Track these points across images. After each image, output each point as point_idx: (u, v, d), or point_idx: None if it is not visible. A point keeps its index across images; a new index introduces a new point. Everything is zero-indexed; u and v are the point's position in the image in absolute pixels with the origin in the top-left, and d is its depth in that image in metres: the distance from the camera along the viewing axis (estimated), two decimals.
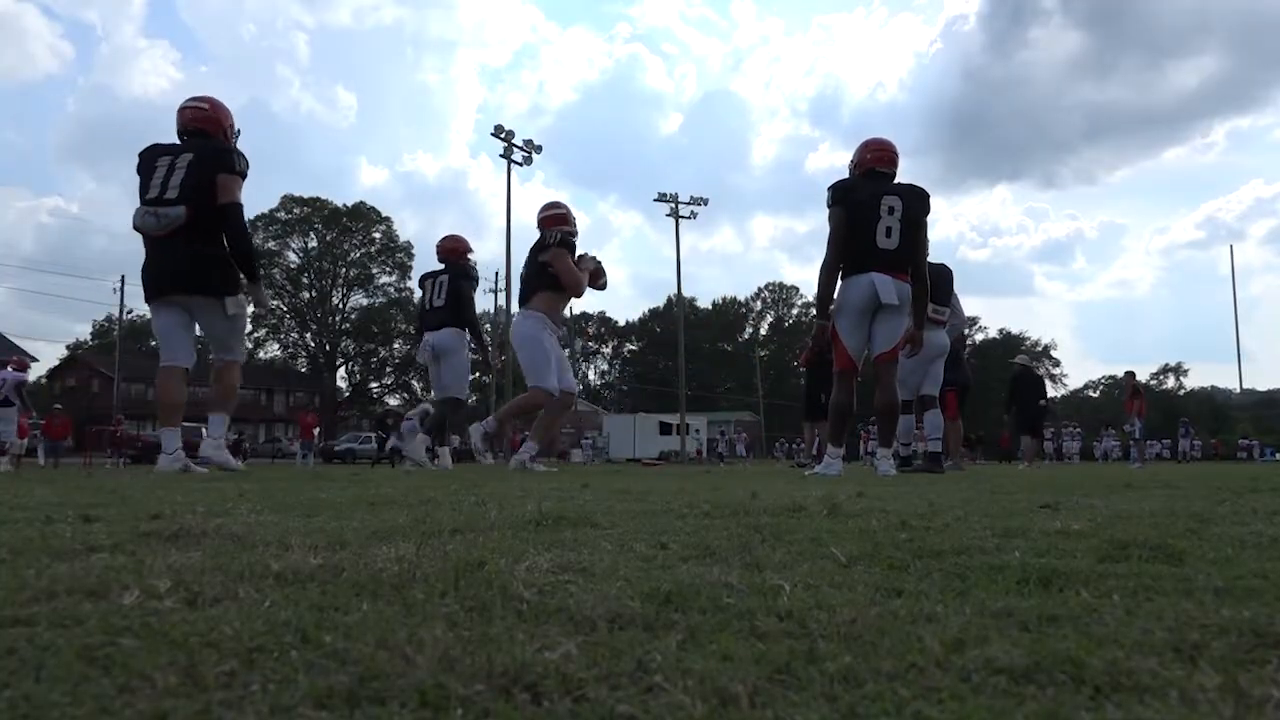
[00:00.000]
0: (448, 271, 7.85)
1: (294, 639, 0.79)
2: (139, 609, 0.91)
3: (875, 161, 5.79)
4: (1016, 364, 12.37)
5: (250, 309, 5.69)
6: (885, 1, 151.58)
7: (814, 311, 6.09)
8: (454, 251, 8.03)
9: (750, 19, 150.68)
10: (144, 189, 5.14)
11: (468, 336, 7.87)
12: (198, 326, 5.47)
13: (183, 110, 5.44)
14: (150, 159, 5.20)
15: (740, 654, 0.76)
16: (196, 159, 5.12)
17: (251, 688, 0.66)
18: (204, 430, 5.90)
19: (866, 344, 5.77)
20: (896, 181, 5.75)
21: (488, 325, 51.11)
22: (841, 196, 5.64)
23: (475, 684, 0.67)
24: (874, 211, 5.53)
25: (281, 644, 0.77)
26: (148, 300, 5.31)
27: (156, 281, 5.22)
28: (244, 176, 5.25)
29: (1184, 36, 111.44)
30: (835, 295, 5.72)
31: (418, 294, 8.31)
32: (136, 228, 5.14)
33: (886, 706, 0.63)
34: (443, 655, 0.74)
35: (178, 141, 5.37)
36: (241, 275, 5.36)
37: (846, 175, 5.99)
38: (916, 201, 5.62)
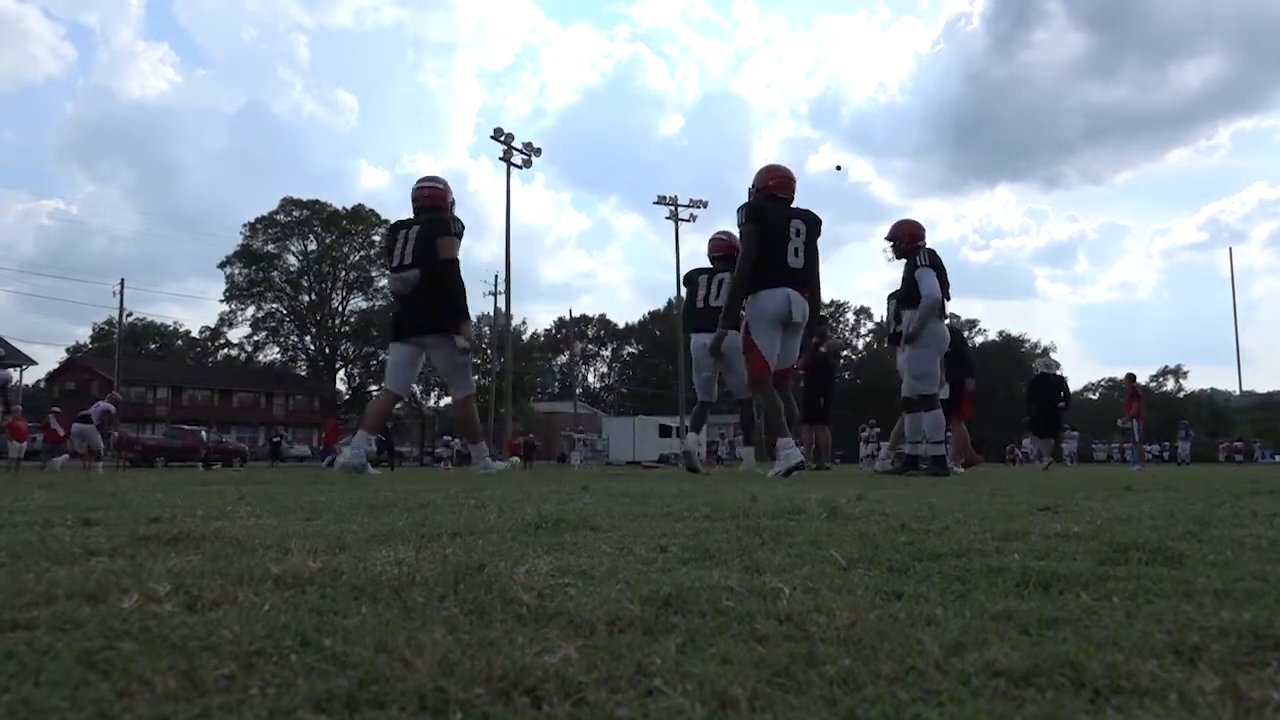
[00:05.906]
0: (716, 267, 7.85)
1: (293, 643, 0.79)
2: (138, 613, 0.91)
3: (777, 187, 6.23)
4: (1037, 368, 13.06)
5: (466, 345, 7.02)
6: (888, 2, 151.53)
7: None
8: (719, 246, 8.00)
9: (752, 19, 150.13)
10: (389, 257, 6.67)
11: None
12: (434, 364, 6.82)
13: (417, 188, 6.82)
14: (392, 232, 6.68)
15: (740, 657, 0.76)
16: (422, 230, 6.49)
17: (251, 692, 0.66)
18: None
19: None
20: (794, 206, 6.22)
21: (485, 327, 50.93)
22: (757, 216, 6.03)
23: (475, 688, 0.67)
24: (784, 232, 5.99)
25: (281, 648, 0.77)
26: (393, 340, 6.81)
27: (398, 326, 6.65)
28: (459, 237, 6.62)
29: (1187, 38, 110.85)
30: (746, 306, 6.12)
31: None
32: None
33: (886, 710, 0.63)
34: (442, 659, 0.74)
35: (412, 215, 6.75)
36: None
37: (749, 199, 6.39)
38: (815, 225, 6.15)
